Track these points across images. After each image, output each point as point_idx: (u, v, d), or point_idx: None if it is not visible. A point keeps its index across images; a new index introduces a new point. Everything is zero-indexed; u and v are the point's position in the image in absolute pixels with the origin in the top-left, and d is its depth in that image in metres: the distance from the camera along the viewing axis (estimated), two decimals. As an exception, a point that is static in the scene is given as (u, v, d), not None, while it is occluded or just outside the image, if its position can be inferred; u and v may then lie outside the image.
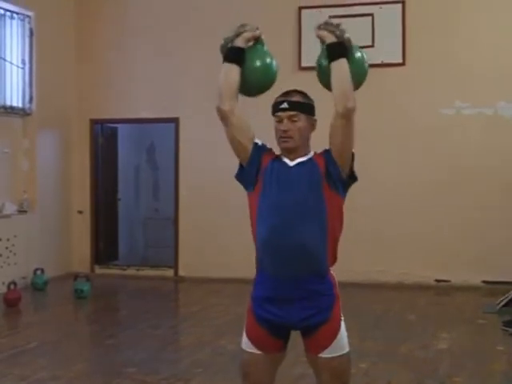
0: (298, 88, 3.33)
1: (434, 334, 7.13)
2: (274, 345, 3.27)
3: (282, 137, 3.21)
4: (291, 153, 3.23)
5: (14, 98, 10.04)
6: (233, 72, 3.28)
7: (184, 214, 10.72)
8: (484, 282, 9.57)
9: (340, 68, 3.18)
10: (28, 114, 10.15)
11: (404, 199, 9.81)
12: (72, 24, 11.05)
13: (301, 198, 3.16)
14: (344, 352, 3.23)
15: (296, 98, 3.22)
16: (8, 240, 9.53)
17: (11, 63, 9.97)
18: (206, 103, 10.50)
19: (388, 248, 9.80)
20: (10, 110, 9.91)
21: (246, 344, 3.31)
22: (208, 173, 10.51)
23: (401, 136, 9.90)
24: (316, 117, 3.30)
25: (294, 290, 3.17)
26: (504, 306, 8.00)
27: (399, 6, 9.84)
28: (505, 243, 9.45)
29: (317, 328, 3.17)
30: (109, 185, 11.59)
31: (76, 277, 9.43)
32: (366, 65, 3.36)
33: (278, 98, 3.27)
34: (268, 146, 3.37)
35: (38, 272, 9.72)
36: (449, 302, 9.03)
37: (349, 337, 3.30)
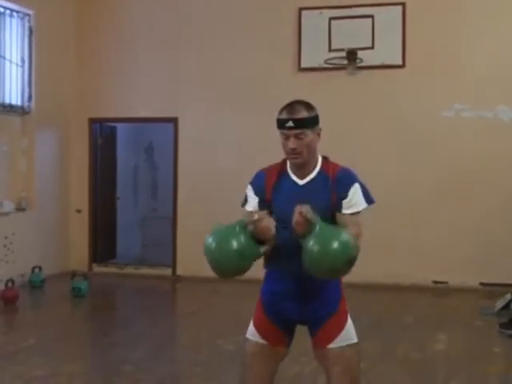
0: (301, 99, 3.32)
1: (431, 335, 7.14)
2: (281, 339, 3.33)
3: (290, 153, 3.23)
4: (301, 167, 3.28)
5: (13, 97, 10.03)
6: None
7: (182, 213, 10.72)
8: (482, 283, 9.59)
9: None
10: (27, 113, 10.14)
11: (403, 201, 9.82)
12: (72, 23, 11.04)
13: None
14: (353, 341, 3.29)
15: (301, 115, 3.19)
16: (6, 238, 9.52)
17: (10, 61, 9.96)
18: (205, 103, 10.59)
19: (386, 250, 9.80)
20: (9, 109, 9.90)
21: (252, 334, 3.36)
22: (207, 173, 10.53)
23: (400, 138, 9.90)
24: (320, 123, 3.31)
25: (304, 286, 3.24)
26: (502, 308, 8.01)
27: (400, 7, 9.82)
28: (503, 245, 9.46)
29: (325, 319, 3.25)
30: (107, 184, 11.59)
31: (74, 275, 9.43)
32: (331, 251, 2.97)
33: (282, 112, 3.24)
34: (260, 171, 3.39)
35: (36, 270, 9.71)
36: (446, 303, 9.04)
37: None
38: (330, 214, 3.21)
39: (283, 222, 3.16)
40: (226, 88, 10.52)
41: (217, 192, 10.32)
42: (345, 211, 3.21)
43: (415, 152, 9.84)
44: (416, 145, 9.84)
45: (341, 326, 3.26)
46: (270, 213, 3.27)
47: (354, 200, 3.23)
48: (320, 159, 3.32)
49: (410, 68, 9.83)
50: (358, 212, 3.25)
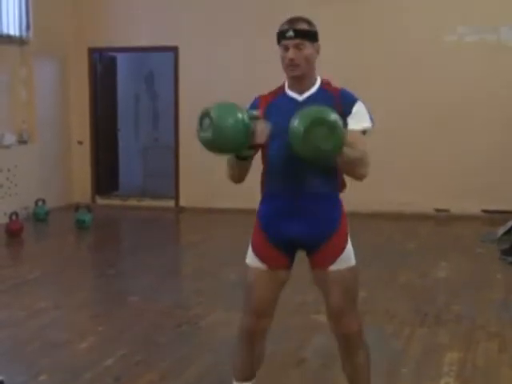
0: (302, 15, 3.29)
1: (433, 262, 7.19)
2: (281, 260, 3.30)
3: (289, 65, 3.19)
4: (299, 82, 3.23)
5: (11, 26, 9.88)
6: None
7: (184, 143, 10.67)
8: (483, 211, 9.60)
9: None
10: (25, 43, 10.00)
11: (404, 129, 9.73)
12: (69, -50, 10.81)
13: None
14: (352, 264, 3.29)
15: (301, 26, 3.18)
16: (9, 170, 9.53)
17: (7, -9, 9.80)
18: (205, 31, 10.43)
19: (388, 178, 9.78)
20: (7, 39, 9.76)
21: (252, 259, 3.35)
22: (208, 102, 10.37)
23: (402, 63, 9.74)
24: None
25: (301, 202, 3.23)
26: (503, 234, 8.02)
27: None
28: (504, 172, 9.44)
29: (324, 240, 3.22)
30: (108, 114, 11.51)
31: (77, 207, 9.47)
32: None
33: (282, 25, 3.22)
34: (258, 95, 3.38)
35: (40, 203, 9.75)
36: (448, 231, 9.08)
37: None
38: None
39: (274, 136, 3.13)
40: (228, 16, 10.35)
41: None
42: (352, 127, 3.17)
43: (418, 78, 9.70)
44: (419, 70, 9.69)
45: (341, 248, 3.25)
46: None
47: (360, 115, 3.22)
48: (319, 78, 3.29)
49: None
50: (365, 131, 3.23)
